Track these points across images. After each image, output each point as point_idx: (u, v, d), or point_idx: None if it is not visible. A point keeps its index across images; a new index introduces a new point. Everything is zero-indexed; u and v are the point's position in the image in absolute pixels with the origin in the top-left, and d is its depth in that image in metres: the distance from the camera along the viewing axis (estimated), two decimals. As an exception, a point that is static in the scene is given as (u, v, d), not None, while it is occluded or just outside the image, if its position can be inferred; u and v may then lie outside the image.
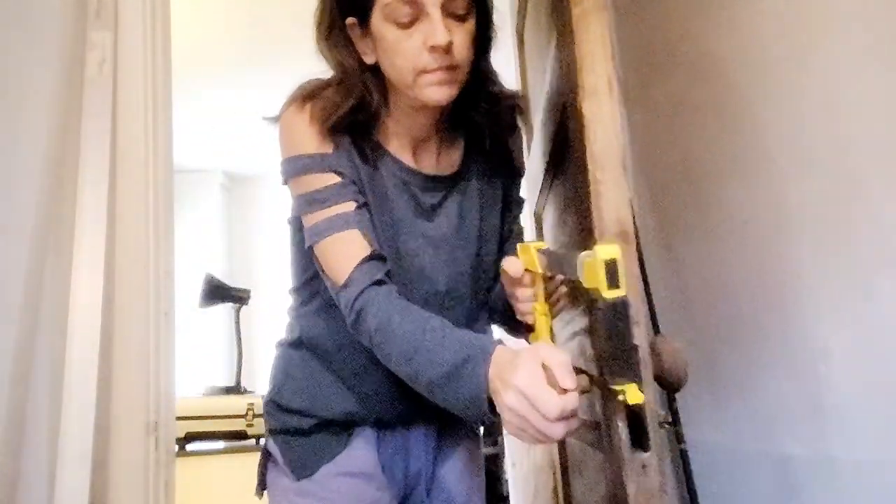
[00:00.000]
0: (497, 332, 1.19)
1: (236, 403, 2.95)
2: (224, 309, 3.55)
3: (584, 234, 0.88)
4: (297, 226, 1.05)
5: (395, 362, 0.89)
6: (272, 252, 4.66)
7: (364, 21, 0.96)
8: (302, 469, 1.06)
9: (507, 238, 1.14)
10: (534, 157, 1.49)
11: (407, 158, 1.05)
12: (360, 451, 1.07)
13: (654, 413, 0.64)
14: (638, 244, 1.44)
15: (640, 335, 0.69)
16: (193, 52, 3.30)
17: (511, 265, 0.92)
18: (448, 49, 0.91)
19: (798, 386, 1.24)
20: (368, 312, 0.90)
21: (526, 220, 1.65)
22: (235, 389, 3.22)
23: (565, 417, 0.69)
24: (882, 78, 1.07)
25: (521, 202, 1.19)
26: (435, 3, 0.90)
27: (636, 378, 0.66)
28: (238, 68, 3.64)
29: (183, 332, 1.98)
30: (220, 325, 4.23)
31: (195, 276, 3.25)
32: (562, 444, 1.79)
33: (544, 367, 0.70)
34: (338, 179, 0.98)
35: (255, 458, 1.16)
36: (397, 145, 1.05)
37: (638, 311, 0.70)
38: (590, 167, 0.78)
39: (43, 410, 1.42)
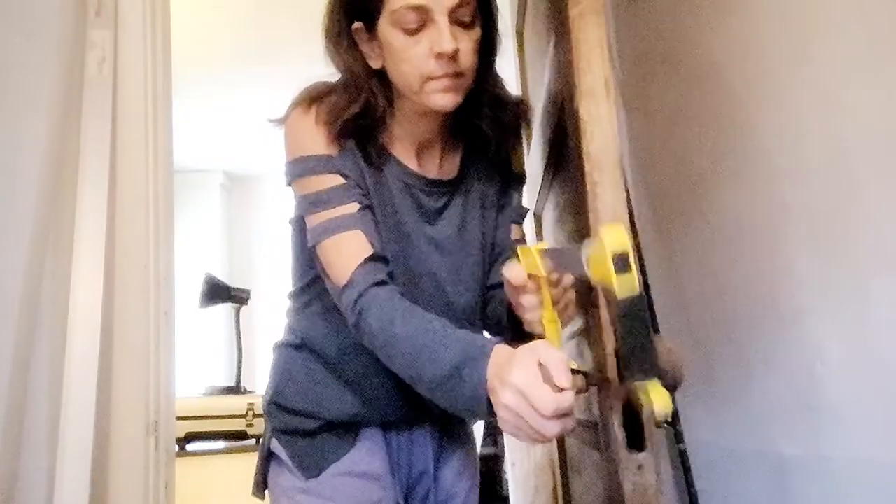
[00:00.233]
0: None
1: (236, 403, 2.95)
2: (224, 309, 3.55)
3: (581, 235, 0.88)
4: (299, 227, 1.05)
5: (396, 363, 0.89)
6: (272, 252, 4.66)
7: (371, 26, 0.97)
8: (308, 469, 1.06)
9: (502, 246, 1.13)
10: (533, 158, 1.50)
11: (411, 162, 1.06)
12: (366, 452, 1.08)
13: (651, 413, 0.64)
14: (638, 245, 1.45)
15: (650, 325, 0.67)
16: (194, 52, 3.30)
17: (512, 272, 0.89)
18: (454, 56, 0.92)
19: (794, 386, 1.24)
20: (370, 313, 0.90)
21: (526, 220, 1.65)
22: (235, 389, 3.22)
23: (561, 415, 0.69)
24: (879, 83, 1.08)
25: (522, 209, 1.18)
26: (442, 10, 0.91)
27: (657, 373, 0.64)
28: (238, 68, 3.64)
29: (183, 332, 1.98)
30: (220, 325, 4.23)
31: (195, 276, 3.25)
32: (561, 444, 1.79)
33: (541, 365, 0.70)
34: (342, 181, 0.98)
35: (255, 458, 1.16)
36: (402, 149, 1.06)
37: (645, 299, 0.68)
38: (586, 168, 0.78)
39: (43, 410, 1.42)
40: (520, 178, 1.18)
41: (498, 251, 1.13)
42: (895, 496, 1.05)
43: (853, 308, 1.13)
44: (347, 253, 0.95)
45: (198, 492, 2.43)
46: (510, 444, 2.91)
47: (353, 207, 0.97)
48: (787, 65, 1.24)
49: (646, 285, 1.43)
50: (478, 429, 3.02)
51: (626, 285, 0.65)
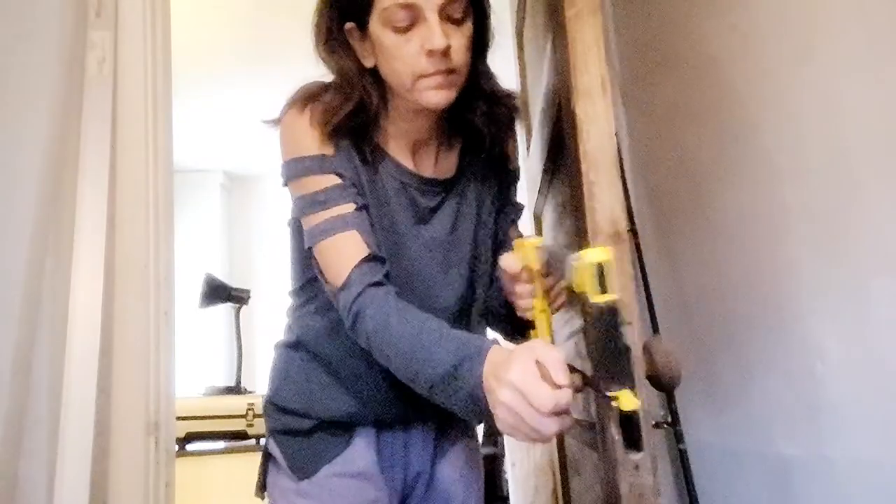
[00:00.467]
0: (493, 336, 1.18)
1: (236, 403, 2.95)
2: (224, 309, 3.54)
3: (579, 235, 0.88)
4: (297, 228, 1.05)
5: (392, 363, 0.89)
6: (272, 252, 4.66)
7: (362, 25, 0.97)
8: (302, 470, 1.06)
9: (503, 243, 1.14)
10: (533, 158, 1.50)
11: (406, 161, 1.06)
12: (360, 452, 1.07)
13: (647, 414, 0.64)
14: (638, 245, 1.45)
15: (632, 336, 0.69)
16: (193, 52, 3.30)
17: (508, 261, 0.92)
18: (446, 53, 0.92)
19: (794, 387, 1.24)
20: (366, 314, 0.91)
21: (526, 220, 1.65)
22: (235, 389, 3.22)
23: (558, 413, 0.69)
24: (879, 81, 1.07)
25: (518, 207, 1.19)
26: (432, 7, 0.91)
27: (629, 383, 0.66)
28: (238, 68, 3.64)
29: (183, 332, 1.98)
30: (220, 325, 4.23)
31: (195, 276, 3.25)
32: (561, 445, 1.79)
33: (538, 363, 0.70)
34: (338, 181, 0.98)
35: (255, 458, 1.16)
36: (397, 148, 1.06)
37: (631, 312, 0.70)
38: (583, 167, 0.79)
39: (43, 410, 1.42)
40: (515, 176, 1.18)
41: (502, 250, 1.13)
42: (895, 496, 1.05)
43: (853, 308, 1.12)
44: (344, 254, 0.95)
45: (198, 492, 2.43)
46: (510, 444, 2.91)
47: (350, 208, 0.97)
48: (788, 64, 1.24)
49: (646, 285, 1.43)
50: (478, 429, 3.02)
51: (602, 294, 0.68)
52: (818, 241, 1.19)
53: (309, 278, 1.08)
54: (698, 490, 1.30)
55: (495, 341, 0.81)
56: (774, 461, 1.29)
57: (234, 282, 3.64)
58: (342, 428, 1.08)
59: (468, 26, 0.96)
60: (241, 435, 2.88)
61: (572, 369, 0.71)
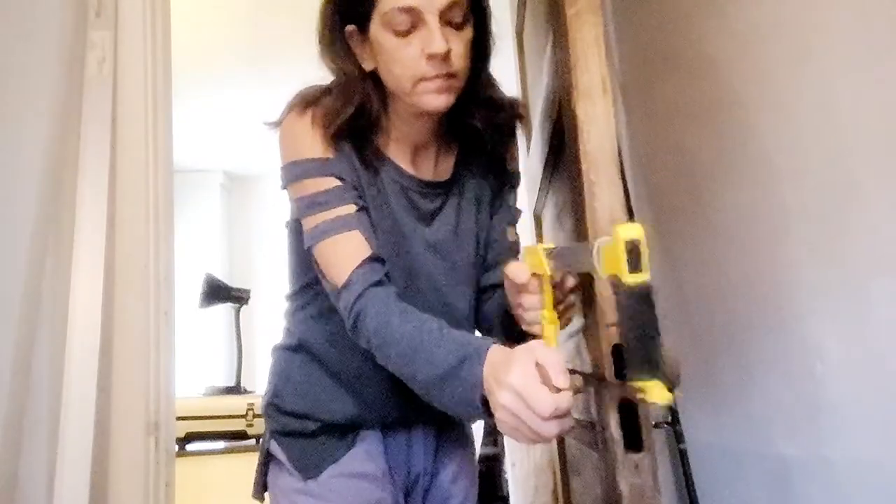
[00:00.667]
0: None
1: (236, 403, 2.95)
2: (224, 309, 3.55)
3: (579, 235, 0.88)
4: (295, 229, 1.05)
5: (393, 363, 0.89)
6: (272, 252, 4.66)
7: (363, 29, 0.97)
8: (307, 470, 1.06)
9: (494, 245, 1.13)
10: (533, 158, 1.50)
11: (406, 164, 1.06)
12: (364, 453, 1.08)
13: (648, 413, 0.64)
14: (637, 245, 1.45)
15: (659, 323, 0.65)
16: (194, 52, 3.30)
17: (516, 271, 0.90)
18: (446, 57, 0.92)
19: (794, 387, 1.24)
20: (367, 314, 0.91)
21: (526, 220, 1.65)
22: (235, 389, 3.23)
23: (559, 416, 0.69)
24: (879, 82, 1.07)
25: (514, 210, 1.18)
26: (433, 11, 0.91)
27: (660, 373, 0.61)
28: (238, 68, 3.64)
29: (183, 332, 1.98)
30: (220, 325, 4.24)
31: (195, 276, 3.25)
32: (561, 445, 1.79)
33: (538, 365, 0.70)
34: (338, 183, 0.98)
35: (255, 458, 1.16)
36: (397, 151, 1.06)
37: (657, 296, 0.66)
38: (583, 168, 0.78)
39: (43, 410, 1.42)
40: (514, 179, 1.18)
41: (493, 253, 1.13)
42: (895, 497, 1.05)
43: (853, 308, 1.12)
44: (345, 254, 0.95)
45: (198, 492, 2.43)
46: (510, 444, 2.91)
47: (350, 209, 0.97)
48: (787, 64, 1.24)
49: (646, 285, 1.43)
50: (478, 429, 3.02)
51: (636, 274, 0.64)
52: (818, 242, 1.19)
53: (308, 281, 1.08)
54: (698, 490, 1.30)
55: (496, 342, 0.81)
56: (774, 461, 1.29)
57: (234, 282, 3.65)
58: (346, 430, 1.08)
59: (468, 31, 0.96)
60: (241, 435, 2.89)
61: (572, 371, 0.71)
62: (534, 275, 0.88)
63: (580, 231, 0.87)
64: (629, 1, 1.74)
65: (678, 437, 1.33)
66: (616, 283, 0.65)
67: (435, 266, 1.06)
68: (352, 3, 0.97)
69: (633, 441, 0.70)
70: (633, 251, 0.63)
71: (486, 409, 0.77)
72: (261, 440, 1.18)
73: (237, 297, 3.38)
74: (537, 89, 1.40)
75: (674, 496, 1.49)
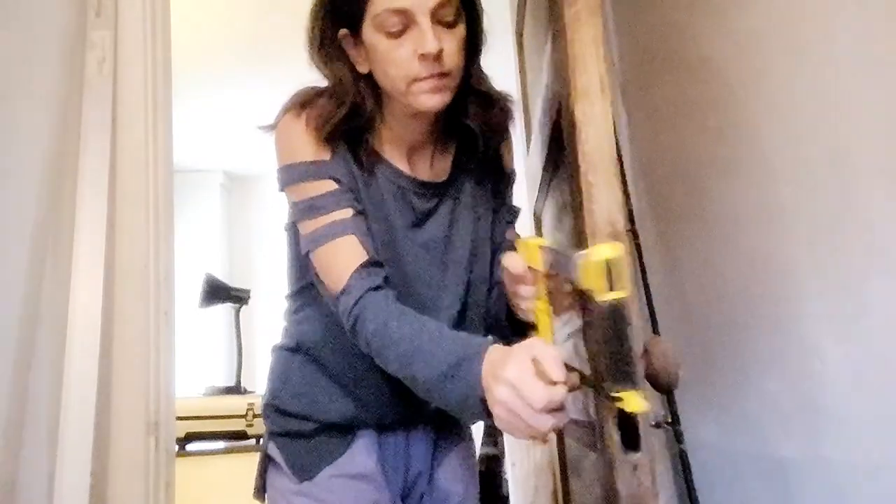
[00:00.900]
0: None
1: (236, 403, 2.95)
2: (224, 309, 3.55)
3: (578, 235, 0.88)
4: (293, 232, 1.05)
5: (392, 365, 0.89)
6: (272, 252, 4.65)
7: (356, 32, 0.97)
8: (303, 471, 1.06)
9: (500, 245, 1.14)
10: (533, 158, 1.50)
11: (402, 165, 1.06)
12: (361, 454, 1.08)
13: (646, 414, 0.64)
14: (638, 245, 1.45)
15: (631, 336, 0.69)
16: (193, 52, 3.30)
17: (512, 261, 0.92)
18: (438, 56, 0.92)
19: (793, 387, 1.24)
20: (366, 317, 0.91)
21: (526, 220, 1.65)
22: (235, 389, 3.23)
23: (553, 409, 0.69)
24: (877, 81, 1.08)
25: (515, 210, 1.19)
26: (424, 11, 0.91)
27: (637, 384, 0.65)
28: (238, 68, 3.63)
29: (183, 332, 1.98)
30: (220, 325, 4.23)
31: (195, 276, 3.25)
32: (561, 445, 1.79)
33: (535, 360, 0.71)
34: (335, 186, 0.98)
35: (255, 458, 1.16)
36: (393, 152, 1.06)
37: (632, 313, 0.69)
38: (582, 168, 0.78)
39: (43, 410, 1.43)
40: (511, 177, 1.18)
41: (501, 253, 1.13)
42: (895, 497, 1.05)
43: (852, 308, 1.13)
44: (343, 259, 0.95)
45: (198, 492, 2.43)
46: (510, 444, 2.91)
47: (347, 213, 0.97)
48: (785, 64, 1.24)
49: (646, 285, 1.43)
50: (478, 428, 3.02)
51: (609, 292, 0.66)
52: (816, 242, 1.19)
53: (306, 283, 1.08)
54: (698, 490, 1.30)
55: (494, 341, 0.81)
56: (773, 461, 1.29)
57: (234, 282, 3.65)
58: (343, 430, 1.08)
59: (460, 29, 0.96)
60: (241, 435, 2.88)
61: (570, 368, 0.71)
62: (529, 267, 0.91)
63: (579, 231, 0.87)
64: (629, 1, 1.74)
65: (678, 437, 1.33)
66: (590, 299, 0.69)
67: (428, 266, 1.06)
68: (344, 7, 0.97)
69: (631, 441, 0.70)
70: (610, 270, 0.66)
71: (485, 409, 0.77)
72: (261, 441, 1.18)
73: (237, 297, 3.38)
74: (537, 89, 1.40)
75: (674, 496, 1.49)
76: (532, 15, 1.55)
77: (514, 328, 1.07)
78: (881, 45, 1.07)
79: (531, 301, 0.93)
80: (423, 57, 0.92)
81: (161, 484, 1.67)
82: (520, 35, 1.94)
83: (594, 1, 0.83)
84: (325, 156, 0.99)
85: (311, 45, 1.03)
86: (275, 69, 3.21)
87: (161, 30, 1.86)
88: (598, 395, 0.76)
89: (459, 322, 1.08)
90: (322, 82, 1.04)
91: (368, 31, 0.95)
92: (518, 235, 1.18)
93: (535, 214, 1.73)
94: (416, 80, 0.94)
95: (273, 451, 1.11)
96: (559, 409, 0.70)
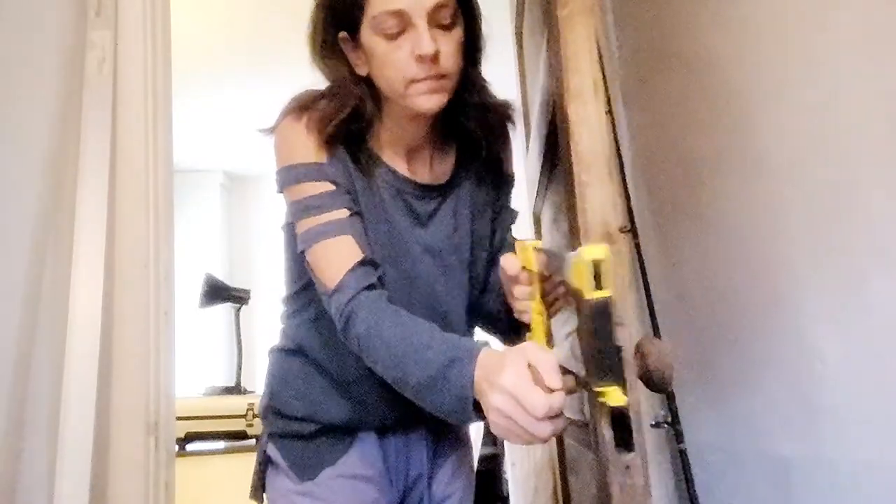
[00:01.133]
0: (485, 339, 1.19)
1: (236, 403, 2.95)
2: (224, 309, 3.55)
3: (573, 235, 0.89)
4: (291, 233, 1.06)
5: (382, 366, 0.89)
6: (272, 252, 4.65)
7: (354, 34, 0.98)
8: (304, 472, 1.07)
9: (500, 248, 1.14)
10: (531, 158, 1.50)
11: (401, 167, 1.07)
12: (362, 455, 1.08)
13: (639, 414, 0.64)
14: (638, 245, 1.45)
15: (625, 336, 0.69)
16: (193, 52, 3.30)
17: (508, 262, 0.92)
18: (435, 58, 0.93)
19: (794, 386, 1.24)
20: (359, 317, 0.91)
21: (526, 220, 1.65)
22: (235, 389, 3.23)
23: (552, 416, 0.69)
24: (879, 78, 1.07)
25: (513, 212, 1.20)
26: (421, 14, 0.92)
27: (618, 380, 0.66)
28: (238, 68, 3.64)
29: (183, 332, 1.99)
30: (220, 325, 4.24)
31: (195, 276, 3.25)
32: (561, 445, 1.79)
33: (530, 366, 0.71)
34: (332, 187, 0.99)
35: (255, 458, 1.16)
36: (392, 154, 1.06)
37: (624, 312, 0.70)
38: (575, 169, 0.79)
39: (43, 410, 1.43)
40: (510, 180, 1.19)
41: (498, 255, 1.14)
42: (894, 497, 1.05)
43: (853, 308, 1.12)
44: (337, 258, 0.95)
45: (198, 492, 2.43)
46: (510, 444, 2.91)
47: (344, 213, 0.98)
48: (786, 63, 1.24)
49: (646, 285, 1.43)
50: (478, 429, 3.02)
51: (596, 290, 0.69)
52: (817, 240, 1.19)
53: (303, 285, 1.08)
54: (698, 490, 1.30)
55: (486, 344, 0.81)
56: (774, 461, 1.29)
57: (234, 282, 3.65)
58: (344, 432, 1.09)
59: (458, 31, 0.97)
60: (241, 435, 2.89)
61: (565, 371, 0.71)
62: (524, 268, 0.92)
63: (573, 231, 0.87)
64: (629, 1, 1.74)
65: (678, 436, 1.33)
66: (579, 298, 0.70)
67: (431, 268, 1.06)
68: (342, 10, 0.98)
69: (625, 441, 0.70)
70: (598, 270, 0.68)
71: (477, 412, 0.77)
72: (259, 442, 1.18)
73: (237, 297, 3.38)
74: (536, 89, 1.40)
75: (674, 496, 1.49)
76: (530, 15, 1.55)
77: (509, 327, 1.08)
78: (883, 43, 1.07)
79: (526, 302, 0.94)
80: (420, 58, 0.92)
81: (161, 484, 1.67)
82: (519, 35, 1.94)
83: (588, 2, 0.83)
84: (324, 158, 1.00)
85: (311, 48, 1.04)
86: (275, 69, 3.21)
87: (161, 30, 1.86)
88: (588, 392, 0.77)
89: (461, 322, 1.09)
90: (322, 84, 1.04)
91: (366, 34, 0.96)
92: (514, 237, 1.18)
93: (534, 214, 1.73)
94: (413, 81, 0.94)
95: (273, 452, 1.11)
96: (558, 414, 0.70)
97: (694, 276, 1.54)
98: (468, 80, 1.03)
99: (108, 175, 1.62)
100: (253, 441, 2.87)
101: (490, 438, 3.41)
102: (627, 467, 0.69)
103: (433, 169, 1.10)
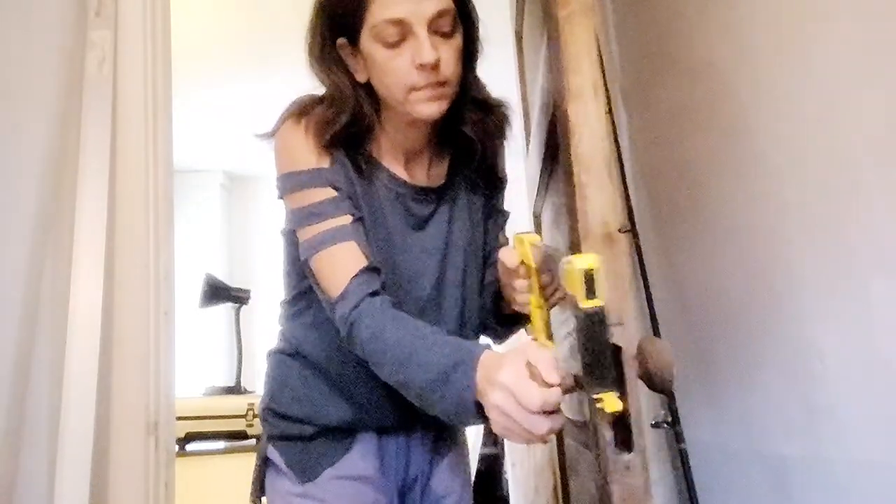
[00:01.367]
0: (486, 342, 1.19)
1: (236, 403, 2.95)
2: (224, 309, 3.55)
3: (573, 236, 0.89)
4: (291, 238, 1.06)
5: (386, 371, 0.90)
6: (272, 252, 4.65)
7: (354, 41, 0.98)
8: (304, 473, 1.07)
9: (493, 249, 1.15)
10: (531, 158, 1.50)
11: (400, 171, 1.07)
12: (362, 456, 1.08)
13: (639, 415, 0.64)
14: (638, 245, 1.45)
15: (622, 338, 0.70)
16: (194, 52, 3.30)
17: (507, 256, 0.93)
18: (436, 66, 0.93)
19: (794, 386, 1.24)
20: (363, 323, 0.91)
21: (526, 220, 1.65)
22: (235, 389, 3.23)
23: (549, 412, 0.69)
24: (878, 81, 1.08)
25: (505, 213, 1.20)
26: (421, 22, 0.92)
27: (613, 386, 0.67)
28: (239, 68, 3.64)
29: (183, 332, 1.98)
30: (220, 325, 4.24)
31: (195, 276, 3.25)
32: (561, 445, 1.79)
33: (529, 364, 0.71)
34: (334, 194, 0.99)
35: (255, 459, 1.16)
36: (390, 158, 1.07)
37: (624, 313, 0.70)
38: (575, 169, 0.79)
39: (43, 410, 1.43)
40: (503, 183, 1.19)
41: (493, 258, 1.14)
42: (895, 497, 1.05)
43: (853, 308, 1.13)
44: (341, 265, 0.95)
45: (198, 492, 2.43)
46: (510, 445, 2.91)
47: (346, 220, 0.98)
48: (786, 64, 1.24)
49: (646, 285, 1.44)
50: (477, 428, 3.02)
51: (590, 299, 0.69)
52: (818, 241, 1.19)
53: (303, 289, 1.08)
54: (698, 489, 1.30)
55: (488, 346, 0.82)
56: (774, 461, 1.29)
57: (234, 282, 3.65)
58: (343, 433, 1.09)
59: (457, 39, 0.97)
60: (241, 435, 2.89)
61: (565, 371, 0.71)
62: (523, 262, 0.92)
63: (574, 232, 0.87)
64: (629, 2, 1.74)
65: (678, 437, 1.33)
66: (574, 306, 0.71)
67: (427, 271, 1.07)
68: (342, 17, 0.98)
69: (624, 442, 0.70)
70: (590, 279, 0.69)
71: (480, 413, 0.77)
72: (259, 443, 1.18)
73: (237, 297, 3.38)
74: (535, 89, 1.40)
75: (674, 495, 1.49)
76: (530, 16, 1.55)
77: (503, 322, 1.10)
78: (882, 44, 1.07)
79: (525, 294, 0.94)
80: (420, 67, 0.93)
81: (161, 484, 1.67)
82: (520, 35, 1.94)
83: (587, 3, 0.83)
84: (325, 163, 1.00)
85: (310, 54, 1.04)
86: (275, 69, 3.21)
87: (161, 30, 1.86)
88: (587, 397, 0.78)
89: (459, 324, 1.09)
90: (321, 88, 1.05)
91: (366, 41, 0.96)
92: (507, 238, 1.19)
93: (534, 214, 1.73)
94: (413, 89, 0.95)
95: (272, 454, 1.11)
96: (555, 411, 0.70)
97: (694, 276, 1.54)
98: (467, 85, 1.03)
99: (108, 175, 1.61)
100: (253, 441, 2.87)
101: (490, 438, 3.41)
102: (627, 467, 0.69)
103: (430, 172, 1.10)
